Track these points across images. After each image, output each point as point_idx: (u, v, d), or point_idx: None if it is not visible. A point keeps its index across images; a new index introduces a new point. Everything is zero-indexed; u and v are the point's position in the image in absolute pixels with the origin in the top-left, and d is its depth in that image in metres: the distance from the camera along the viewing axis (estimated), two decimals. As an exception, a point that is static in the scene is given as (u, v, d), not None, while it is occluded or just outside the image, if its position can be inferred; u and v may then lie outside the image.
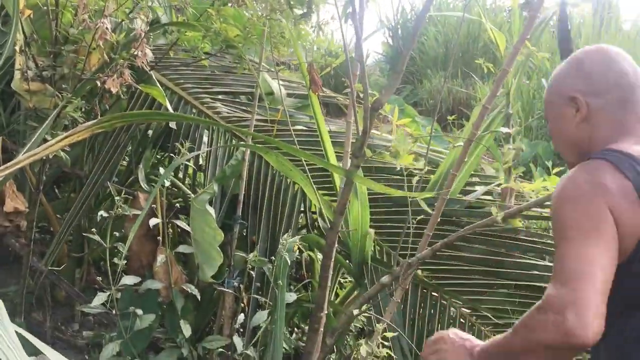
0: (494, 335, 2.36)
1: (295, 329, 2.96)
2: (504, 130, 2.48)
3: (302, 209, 2.79)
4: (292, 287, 2.64)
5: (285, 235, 2.07)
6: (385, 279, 1.86)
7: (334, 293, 2.77)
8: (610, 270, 1.16)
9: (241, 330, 2.46)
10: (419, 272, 2.47)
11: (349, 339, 2.52)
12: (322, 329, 1.96)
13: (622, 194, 1.21)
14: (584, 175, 1.24)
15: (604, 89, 1.32)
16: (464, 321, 2.42)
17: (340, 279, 3.15)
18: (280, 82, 3.14)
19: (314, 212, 2.80)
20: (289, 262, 1.90)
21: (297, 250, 3.03)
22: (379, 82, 8.95)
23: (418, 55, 9.84)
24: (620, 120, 1.32)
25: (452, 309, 2.44)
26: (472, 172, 2.76)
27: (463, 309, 2.43)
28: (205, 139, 2.88)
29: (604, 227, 1.18)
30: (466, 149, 1.77)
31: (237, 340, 2.09)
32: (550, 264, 2.43)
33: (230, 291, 2.34)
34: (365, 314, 2.10)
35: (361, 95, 1.70)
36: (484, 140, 2.57)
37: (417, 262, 1.83)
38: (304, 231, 2.88)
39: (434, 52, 9.57)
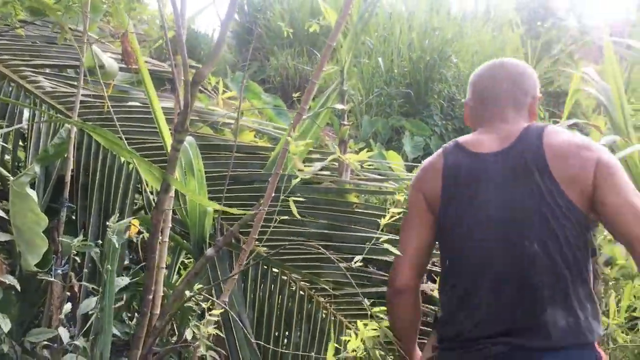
0: (330, 305, 2.47)
1: (136, 314, 2.84)
2: (339, 106, 2.55)
3: (138, 189, 2.67)
4: (129, 271, 2.52)
5: (113, 218, 1.96)
6: (209, 251, 1.83)
7: (174, 275, 2.69)
8: (416, 239, 1.72)
9: (72, 319, 2.31)
10: (261, 249, 2.48)
11: (190, 321, 2.47)
12: (156, 312, 1.90)
13: (432, 172, 1.68)
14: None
15: (477, 96, 1.78)
16: (303, 293, 2.48)
17: (185, 260, 3.08)
18: (113, 56, 2.96)
19: (152, 192, 2.69)
20: (117, 245, 1.80)
21: (137, 232, 2.91)
22: (225, 57, 8.82)
23: (265, 32, 9.83)
24: (481, 116, 1.75)
25: (292, 283, 2.49)
26: (312, 149, 2.82)
27: (302, 282, 2.48)
28: (26, 115, 2.63)
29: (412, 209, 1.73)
30: (295, 123, 1.79)
31: (63, 331, 1.96)
32: (387, 235, 2.56)
33: (57, 280, 2.18)
34: (204, 295, 2.06)
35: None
36: (321, 116, 2.63)
37: (236, 231, 1.82)
38: (142, 212, 2.76)
39: (280, 30, 9.59)
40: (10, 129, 2.41)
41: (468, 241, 1.57)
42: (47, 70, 2.84)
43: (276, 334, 2.43)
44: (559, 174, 1.48)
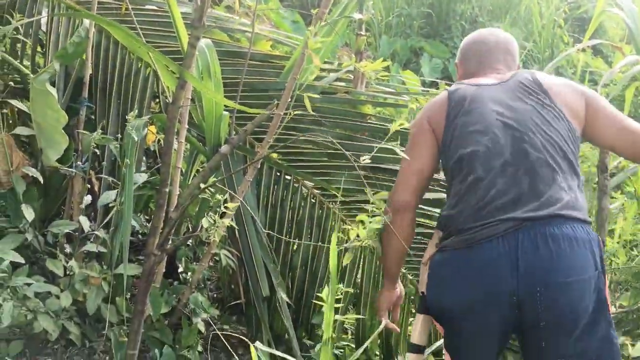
0: (339, 211, 2.54)
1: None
2: (357, 16, 2.53)
3: (155, 95, 2.70)
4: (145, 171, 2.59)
5: (132, 113, 2.00)
6: (224, 148, 1.88)
7: (190, 180, 2.76)
8: (419, 163, 1.81)
9: (93, 214, 2.41)
10: (274, 155, 2.54)
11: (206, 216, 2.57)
12: (171, 208, 1.97)
13: (438, 102, 1.83)
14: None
15: (463, 57, 2.01)
16: (314, 201, 2.55)
17: (200, 169, 3.15)
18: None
19: (168, 98, 2.72)
20: (136, 139, 1.86)
21: (154, 140, 2.97)
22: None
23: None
24: (474, 72, 1.93)
25: (304, 189, 2.55)
26: (328, 60, 2.81)
27: (314, 189, 2.55)
28: (44, 15, 2.64)
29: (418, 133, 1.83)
30: (315, 24, 1.79)
31: (84, 220, 2.05)
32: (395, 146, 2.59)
33: (79, 173, 2.25)
34: (220, 187, 2.11)
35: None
36: (339, 25, 2.61)
37: (250, 131, 1.87)
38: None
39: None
40: (31, 19, 2.42)
41: (477, 140, 1.69)
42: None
43: (286, 237, 2.52)
44: (555, 97, 1.74)
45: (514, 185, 1.61)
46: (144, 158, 2.91)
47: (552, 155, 1.64)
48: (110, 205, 2.06)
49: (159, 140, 3.02)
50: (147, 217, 2.97)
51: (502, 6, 6.63)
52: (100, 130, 2.15)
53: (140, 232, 2.70)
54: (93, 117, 2.53)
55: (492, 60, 1.93)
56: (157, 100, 2.74)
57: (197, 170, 3.05)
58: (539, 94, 1.74)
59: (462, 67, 2.02)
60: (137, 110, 2.24)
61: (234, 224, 2.12)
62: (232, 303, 2.68)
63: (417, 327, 1.83)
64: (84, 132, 2.21)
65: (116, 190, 2.01)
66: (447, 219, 1.72)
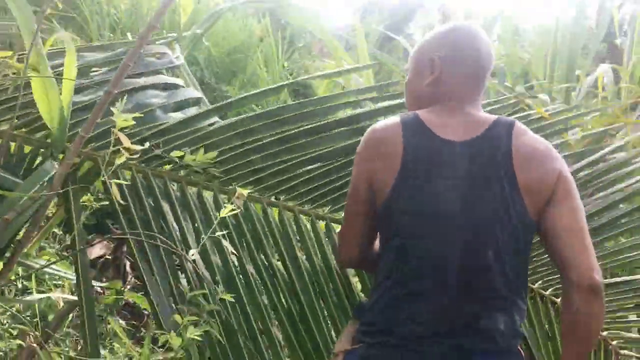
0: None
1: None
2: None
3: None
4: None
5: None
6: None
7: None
8: (365, 219, 1.50)
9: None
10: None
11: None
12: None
13: (388, 147, 1.41)
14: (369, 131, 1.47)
15: (460, 62, 1.45)
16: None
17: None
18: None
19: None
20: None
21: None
22: None
23: None
24: (446, 93, 1.45)
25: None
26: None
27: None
28: None
29: (360, 185, 1.47)
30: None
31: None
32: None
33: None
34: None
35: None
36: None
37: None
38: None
39: None
40: None
41: (423, 238, 1.39)
42: None
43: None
44: (522, 181, 1.37)
45: (453, 308, 1.37)
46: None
47: (505, 273, 1.38)
48: None
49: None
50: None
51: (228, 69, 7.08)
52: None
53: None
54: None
55: (474, 85, 1.46)
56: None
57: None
58: (508, 179, 1.37)
59: (433, 80, 1.47)
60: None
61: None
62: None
63: None
64: None
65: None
66: (372, 315, 1.46)
